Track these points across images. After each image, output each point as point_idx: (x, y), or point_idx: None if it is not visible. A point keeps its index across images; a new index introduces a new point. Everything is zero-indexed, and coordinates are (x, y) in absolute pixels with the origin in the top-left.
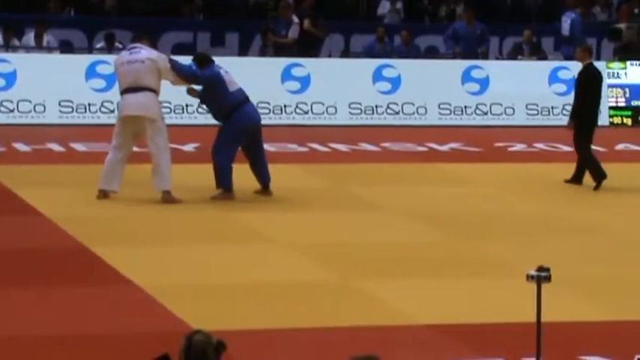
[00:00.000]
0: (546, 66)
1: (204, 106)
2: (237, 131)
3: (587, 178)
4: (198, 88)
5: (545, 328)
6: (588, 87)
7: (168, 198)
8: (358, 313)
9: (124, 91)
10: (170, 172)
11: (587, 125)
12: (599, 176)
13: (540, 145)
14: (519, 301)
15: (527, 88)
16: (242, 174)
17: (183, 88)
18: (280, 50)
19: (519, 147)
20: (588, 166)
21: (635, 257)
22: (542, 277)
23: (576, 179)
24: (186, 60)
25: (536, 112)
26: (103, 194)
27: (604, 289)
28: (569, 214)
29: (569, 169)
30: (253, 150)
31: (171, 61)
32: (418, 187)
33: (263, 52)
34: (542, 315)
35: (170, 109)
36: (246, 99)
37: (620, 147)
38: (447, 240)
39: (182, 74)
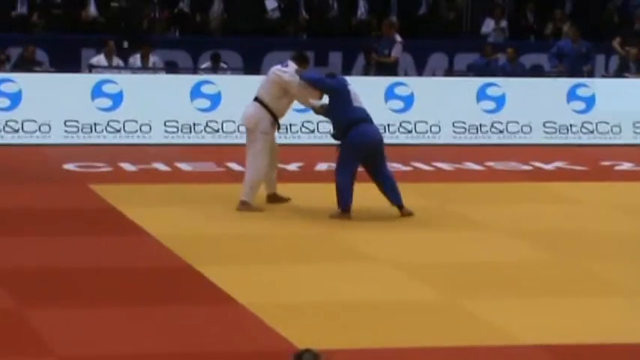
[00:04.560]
0: None
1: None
2: (351, 149)
3: None
4: (320, 103)
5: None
6: None
7: (241, 207)
8: (464, 332)
9: None
10: (250, 184)
11: None
12: None
13: None
14: (627, 321)
15: (634, 106)
16: (357, 193)
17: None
18: (383, 69)
19: (626, 166)
20: None
21: None
22: None
23: None
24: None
25: None
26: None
27: None
28: None
29: None
30: (374, 172)
31: (302, 77)
32: (523, 206)
33: (366, 71)
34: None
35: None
36: (366, 118)
37: None
38: (554, 259)
39: (307, 82)
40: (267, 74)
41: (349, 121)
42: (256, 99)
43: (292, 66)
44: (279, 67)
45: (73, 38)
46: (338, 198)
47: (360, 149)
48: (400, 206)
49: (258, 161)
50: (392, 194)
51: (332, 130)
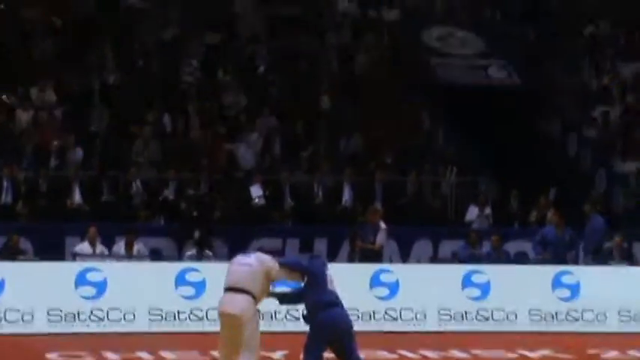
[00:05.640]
0: (638, 272)
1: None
2: (318, 333)
3: None
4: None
5: None
6: None
7: None
8: None
9: (225, 290)
10: None
11: None
12: None
13: (634, 352)
14: None
15: (619, 294)
16: None
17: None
18: (368, 256)
19: (612, 354)
20: None
21: None
22: None
23: None
24: None
25: (628, 318)
26: None
27: None
28: None
29: None
30: (344, 358)
31: (280, 262)
32: None
33: (351, 258)
34: None
35: (259, 315)
36: (337, 303)
37: None
38: None
39: (292, 267)
40: (236, 264)
41: (320, 304)
42: (239, 289)
43: (260, 254)
44: (256, 257)
45: (57, 227)
46: None
47: (326, 333)
48: None
49: (255, 347)
50: None
51: (304, 312)
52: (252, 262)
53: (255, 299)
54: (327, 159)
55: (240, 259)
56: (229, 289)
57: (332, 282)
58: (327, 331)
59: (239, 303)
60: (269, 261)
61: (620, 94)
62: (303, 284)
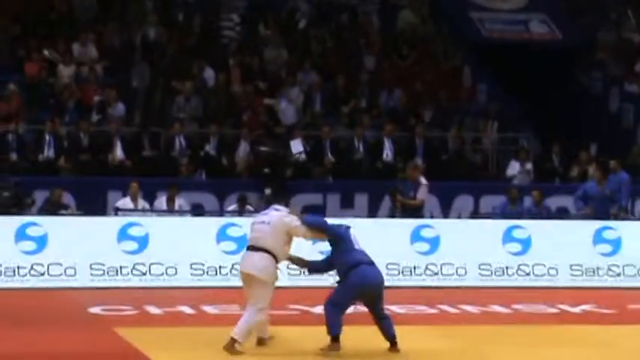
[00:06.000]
0: None
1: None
2: (349, 289)
3: None
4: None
5: None
6: None
7: (228, 345)
8: None
9: (247, 248)
10: (247, 328)
11: None
12: None
13: None
14: None
15: None
16: (363, 336)
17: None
18: (409, 211)
19: None
20: None
21: None
22: None
23: None
24: None
25: None
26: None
27: None
28: None
29: None
30: (373, 313)
31: (303, 220)
32: (551, 350)
33: (392, 213)
34: None
35: (300, 271)
36: (367, 261)
37: None
38: None
39: (313, 227)
40: (257, 223)
41: (351, 263)
42: (257, 248)
43: (280, 208)
44: (275, 214)
45: (99, 182)
46: (328, 327)
47: (358, 291)
48: (392, 341)
49: (260, 310)
50: (387, 330)
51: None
52: (271, 220)
53: (276, 257)
54: (368, 114)
55: (260, 217)
56: (248, 247)
57: (357, 241)
58: (359, 289)
59: (257, 262)
60: (292, 220)
61: None
62: (330, 252)
